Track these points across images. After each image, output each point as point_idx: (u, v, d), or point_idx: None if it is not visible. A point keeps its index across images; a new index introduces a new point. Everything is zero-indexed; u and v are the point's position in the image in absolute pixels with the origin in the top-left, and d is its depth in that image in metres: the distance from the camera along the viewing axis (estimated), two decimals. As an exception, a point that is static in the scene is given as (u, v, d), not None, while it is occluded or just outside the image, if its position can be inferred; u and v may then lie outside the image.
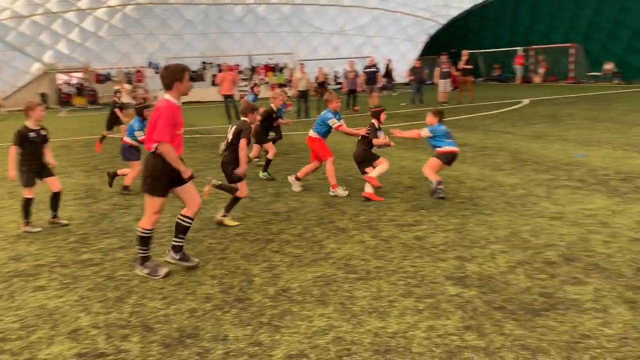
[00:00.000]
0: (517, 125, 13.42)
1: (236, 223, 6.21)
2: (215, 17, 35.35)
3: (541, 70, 31.32)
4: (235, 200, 6.13)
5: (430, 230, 5.64)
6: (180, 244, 4.78)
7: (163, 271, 4.69)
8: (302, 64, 20.24)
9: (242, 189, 6.05)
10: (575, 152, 9.46)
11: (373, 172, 6.99)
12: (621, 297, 3.85)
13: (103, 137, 12.79)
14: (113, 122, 12.87)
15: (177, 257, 4.78)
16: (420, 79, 21.46)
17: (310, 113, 18.50)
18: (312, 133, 7.56)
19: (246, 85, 32.61)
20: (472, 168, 8.63)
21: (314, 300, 4.09)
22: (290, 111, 21.55)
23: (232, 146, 6.02)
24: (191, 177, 4.47)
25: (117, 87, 16.75)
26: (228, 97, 18.23)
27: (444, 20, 38.05)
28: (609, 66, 27.69)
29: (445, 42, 36.93)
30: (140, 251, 4.70)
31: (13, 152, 6.14)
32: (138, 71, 33.07)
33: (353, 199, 7.12)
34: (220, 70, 28.05)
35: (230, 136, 6.08)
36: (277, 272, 4.71)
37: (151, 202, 4.52)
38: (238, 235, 5.83)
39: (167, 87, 4.39)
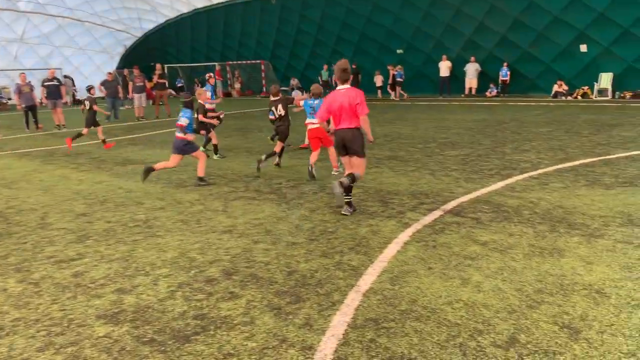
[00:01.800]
0: (209, 138, 13.69)
1: None
2: None
3: (237, 85, 33.28)
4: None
5: (93, 263, 5.09)
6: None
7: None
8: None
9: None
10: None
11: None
12: (269, 305, 3.99)
13: None
14: None
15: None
16: (113, 93, 20.29)
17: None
18: (313, 120, 8.52)
19: None
20: (156, 187, 8.34)
21: None
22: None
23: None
24: (371, 142, 6.59)
25: None
26: None
27: (139, 33, 37.09)
28: (294, 81, 31.00)
29: (143, 55, 36.10)
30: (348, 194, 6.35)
31: None
32: None
33: (5, 237, 6.04)
34: None
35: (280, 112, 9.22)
36: None
37: (364, 161, 6.43)
38: None
39: (346, 80, 6.26)
